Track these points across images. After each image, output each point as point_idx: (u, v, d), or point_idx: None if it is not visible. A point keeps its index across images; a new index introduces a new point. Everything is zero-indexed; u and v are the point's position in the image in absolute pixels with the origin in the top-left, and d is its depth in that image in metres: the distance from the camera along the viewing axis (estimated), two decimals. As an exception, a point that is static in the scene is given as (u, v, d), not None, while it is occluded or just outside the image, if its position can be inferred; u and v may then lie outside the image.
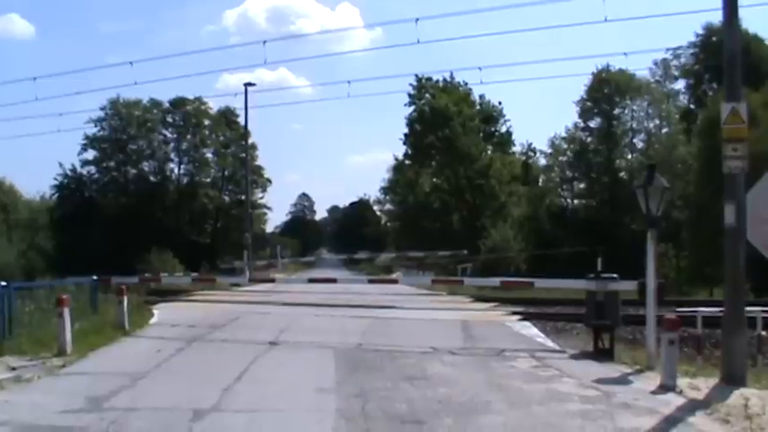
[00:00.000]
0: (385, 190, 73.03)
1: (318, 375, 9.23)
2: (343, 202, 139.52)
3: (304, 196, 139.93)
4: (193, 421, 6.79)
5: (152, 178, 63.73)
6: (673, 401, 7.87)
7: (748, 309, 9.55)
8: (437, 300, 23.91)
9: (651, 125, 53.94)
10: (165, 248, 45.94)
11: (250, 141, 54.89)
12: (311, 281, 28.66)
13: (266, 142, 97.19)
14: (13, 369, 9.25)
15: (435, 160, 57.89)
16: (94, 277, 15.29)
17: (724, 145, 8.92)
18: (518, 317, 17.12)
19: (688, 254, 39.32)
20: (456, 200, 57.23)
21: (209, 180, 65.86)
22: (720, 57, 9.48)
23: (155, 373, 9.29)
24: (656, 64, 54.02)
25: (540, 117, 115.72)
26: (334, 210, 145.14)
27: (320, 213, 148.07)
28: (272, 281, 30.97)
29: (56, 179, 61.30)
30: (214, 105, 63.94)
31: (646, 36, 79.44)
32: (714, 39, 44.90)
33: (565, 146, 55.91)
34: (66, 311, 10.67)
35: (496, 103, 60.84)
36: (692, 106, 52.98)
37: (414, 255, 54.19)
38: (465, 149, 54.61)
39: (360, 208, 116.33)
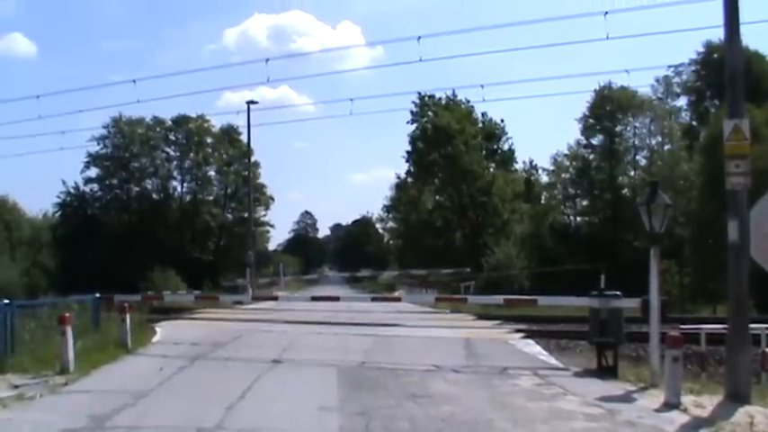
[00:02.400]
0: (387, 208, 73.05)
1: (321, 393, 9.20)
2: (346, 219, 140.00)
3: (306, 214, 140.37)
4: (196, 440, 6.77)
5: (155, 196, 63.81)
6: (677, 419, 7.84)
7: (752, 325, 9.52)
8: (440, 318, 23.81)
9: (653, 142, 53.91)
10: (168, 266, 46.16)
11: (252, 159, 55.30)
12: (314, 299, 28.64)
13: (269, 160, 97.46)
14: (16, 387, 9.23)
15: (438, 178, 58.07)
16: (97, 295, 15.28)
17: (726, 161, 8.95)
18: (521, 334, 17.09)
19: (691, 271, 39.18)
20: (459, 217, 57.25)
21: (211, 198, 65.99)
22: (721, 74, 9.53)
23: (157, 392, 9.25)
24: (657, 81, 54.20)
25: (542, 134, 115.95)
26: (336, 227, 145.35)
27: (323, 231, 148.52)
28: (275, 299, 30.90)
29: (58, 197, 61.58)
30: (216, 123, 64.16)
31: (647, 53, 79.97)
32: (715, 56, 45.12)
33: (567, 163, 55.82)
34: (69, 329, 10.66)
35: (499, 121, 61.15)
36: (693, 123, 53.08)
37: (416, 272, 54.28)
38: (467, 167, 54.71)
39: (362, 226, 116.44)
